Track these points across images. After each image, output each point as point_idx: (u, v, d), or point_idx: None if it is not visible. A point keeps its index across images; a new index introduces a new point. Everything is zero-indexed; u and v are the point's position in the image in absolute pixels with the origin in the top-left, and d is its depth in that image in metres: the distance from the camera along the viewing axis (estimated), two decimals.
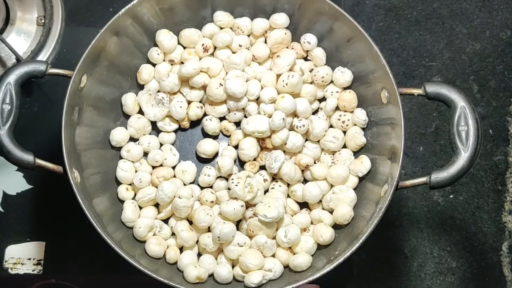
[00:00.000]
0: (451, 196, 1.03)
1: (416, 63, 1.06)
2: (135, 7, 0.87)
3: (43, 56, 1.04)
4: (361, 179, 0.90)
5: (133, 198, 0.91)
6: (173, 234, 0.89)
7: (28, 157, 0.80)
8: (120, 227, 0.89)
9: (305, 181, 0.92)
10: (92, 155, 0.90)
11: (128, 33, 0.90)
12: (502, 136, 1.05)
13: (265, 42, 0.94)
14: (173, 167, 0.92)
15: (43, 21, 1.05)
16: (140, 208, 0.91)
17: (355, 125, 0.92)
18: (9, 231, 0.99)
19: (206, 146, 0.92)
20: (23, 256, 0.97)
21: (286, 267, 0.87)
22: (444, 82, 0.83)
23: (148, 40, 0.95)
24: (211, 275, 0.88)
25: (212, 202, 0.89)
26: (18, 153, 0.80)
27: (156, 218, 0.90)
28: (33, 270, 0.97)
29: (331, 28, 0.91)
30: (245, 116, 0.93)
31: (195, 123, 0.95)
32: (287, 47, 0.94)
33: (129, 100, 0.92)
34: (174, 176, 0.92)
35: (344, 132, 0.92)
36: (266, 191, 0.90)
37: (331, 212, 0.89)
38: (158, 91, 0.94)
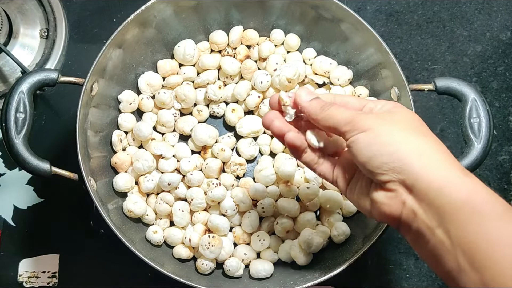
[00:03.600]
0: None
1: (419, 66, 1.07)
2: (142, 14, 0.88)
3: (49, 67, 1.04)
4: None
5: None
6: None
7: (44, 165, 0.80)
8: (137, 233, 0.89)
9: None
10: (104, 163, 0.91)
11: (132, 43, 0.91)
12: (506, 136, 1.06)
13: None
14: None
15: (46, 33, 1.05)
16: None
17: None
18: (21, 245, 0.98)
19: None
20: (38, 270, 0.97)
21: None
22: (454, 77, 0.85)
23: (151, 51, 0.96)
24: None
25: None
26: (34, 162, 0.80)
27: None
28: (48, 283, 0.96)
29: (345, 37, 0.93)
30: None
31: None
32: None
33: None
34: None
35: None
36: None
37: None
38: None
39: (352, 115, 0.61)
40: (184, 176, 0.91)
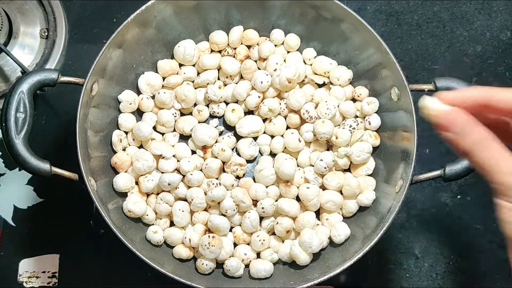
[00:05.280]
0: (459, 196, 1.04)
1: (419, 66, 1.07)
2: (142, 14, 0.88)
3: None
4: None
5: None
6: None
7: (44, 166, 0.80)
8: (137, 233, 0.89)
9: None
10: (104, 163, 0.91)
11: (132, 43, 0.91)
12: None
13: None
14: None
15: (46, 33, 1.05)
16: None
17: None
18: (22, 245, 0.98)
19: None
20: (38, 270, 0.97)
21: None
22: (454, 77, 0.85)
23: (151, 51, 0.96)
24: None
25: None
26: (34, 162, 0.80)
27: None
28: (48, 283, 0.96)
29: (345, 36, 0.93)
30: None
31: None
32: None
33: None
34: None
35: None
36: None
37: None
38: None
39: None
40: (184, 176, 0.91)
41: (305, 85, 0.96)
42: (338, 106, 0.92)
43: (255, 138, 0.95)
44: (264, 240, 0.90)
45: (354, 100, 0.95)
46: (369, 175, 0.93)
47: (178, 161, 0.91)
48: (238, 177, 0.94)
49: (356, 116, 0.94)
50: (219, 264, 0.90)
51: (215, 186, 0.88)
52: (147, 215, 0.90)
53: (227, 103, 0.97)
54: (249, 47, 0.98)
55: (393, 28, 1.09)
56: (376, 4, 1.10)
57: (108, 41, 0.85)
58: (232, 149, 0.95)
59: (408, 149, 0.85)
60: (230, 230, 0.92)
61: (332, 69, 0.95)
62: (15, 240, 0.98)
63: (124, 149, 0.93)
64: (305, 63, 0.97)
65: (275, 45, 0.97)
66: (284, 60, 0.96)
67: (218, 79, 0.97)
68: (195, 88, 0.96)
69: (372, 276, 1.00)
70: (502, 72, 1.08)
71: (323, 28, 0.94)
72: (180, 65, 0.97)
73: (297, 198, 0.91)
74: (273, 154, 0.95)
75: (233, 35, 0.96)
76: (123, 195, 0.91)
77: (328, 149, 0.94)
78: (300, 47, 0.98)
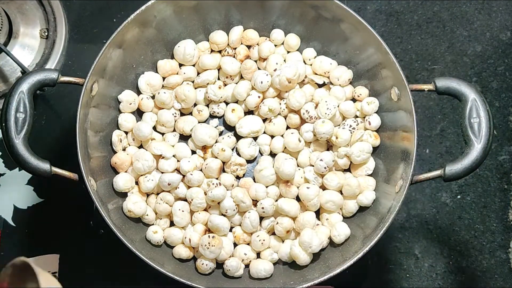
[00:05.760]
0: (459, 196, 1.04)
1: (418, 66, 1.08)
2: (142, 14, 0.88)
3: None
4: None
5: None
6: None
7: (44, 166, 0.80)
8: (137, 233, 0.89)
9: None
10: (104, 163, 0.91)
11: (132, 43, 0.91)
12: (506, 136, 1.06)
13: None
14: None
15: (46, 33, 1.05)
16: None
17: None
18: (22, 245, 0.98)
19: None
20: None
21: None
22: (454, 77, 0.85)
23: (151, 51, 0.96)
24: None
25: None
26: (34, 162, 0.80)
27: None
28: None
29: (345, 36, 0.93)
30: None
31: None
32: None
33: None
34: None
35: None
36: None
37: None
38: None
39: None
40: (184, 176, 0.90)
41: (305, 85, 0.96)
42: (338, 106, 0.92)
43: (255, 138, 0.95)
44: (264, 240, 0.90)
45: (354, 100, 0.95)
46: (369, 175, 0.93)
47: (178, 161, 0.91)
48: (238, 177, 0.94)
49: (356, 116, 0.94)
50: (219, 264, 0.90)
51: (215, 186, 0.88)
52: (147, 215, 0.90)
53: (227, 103, 0.97)
54: (249, 47, 0.98)
55: (393, 28, 1.10)
56: (376, 4, 1.10)
57: (108, 41, 0.85)
58: (232, 149, 0.95)
59: (408, 149, 0.85)
60: (230, 230, 0.92)
61: (332, 69, 0.95)
62: (15, 240, 0.98)
63: (124, 149, 0.93)
64: (305, 63, 0.97)
65: (275, 45, 0.97)
66: (284, 60, 0.96)
67: (218, 79, 0.97)
68: (195, 88, 0.96)
69: (372, 276, 1.00)
70: (502, 72, 1.08)
71: (323, 28, 0.94)
72: (180, 65, 0.97)
73: (297, 198, 0.91)
74: (273, 154, 0.95)
75: (233, 35, 0.96)
76: (123, 195, 0.91)
77: (328, 149, 0.94)
78: (300, 47, 0.98)
